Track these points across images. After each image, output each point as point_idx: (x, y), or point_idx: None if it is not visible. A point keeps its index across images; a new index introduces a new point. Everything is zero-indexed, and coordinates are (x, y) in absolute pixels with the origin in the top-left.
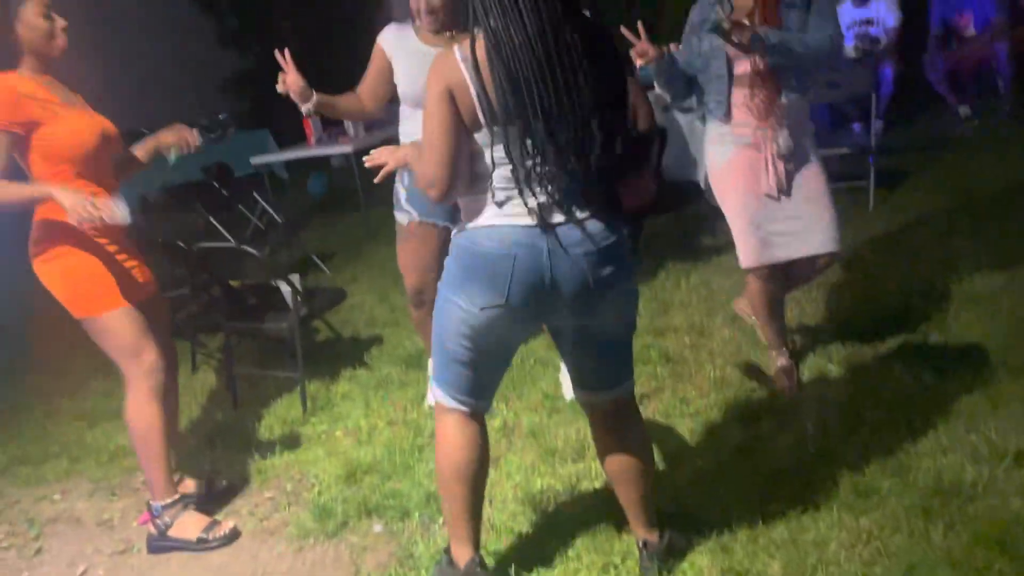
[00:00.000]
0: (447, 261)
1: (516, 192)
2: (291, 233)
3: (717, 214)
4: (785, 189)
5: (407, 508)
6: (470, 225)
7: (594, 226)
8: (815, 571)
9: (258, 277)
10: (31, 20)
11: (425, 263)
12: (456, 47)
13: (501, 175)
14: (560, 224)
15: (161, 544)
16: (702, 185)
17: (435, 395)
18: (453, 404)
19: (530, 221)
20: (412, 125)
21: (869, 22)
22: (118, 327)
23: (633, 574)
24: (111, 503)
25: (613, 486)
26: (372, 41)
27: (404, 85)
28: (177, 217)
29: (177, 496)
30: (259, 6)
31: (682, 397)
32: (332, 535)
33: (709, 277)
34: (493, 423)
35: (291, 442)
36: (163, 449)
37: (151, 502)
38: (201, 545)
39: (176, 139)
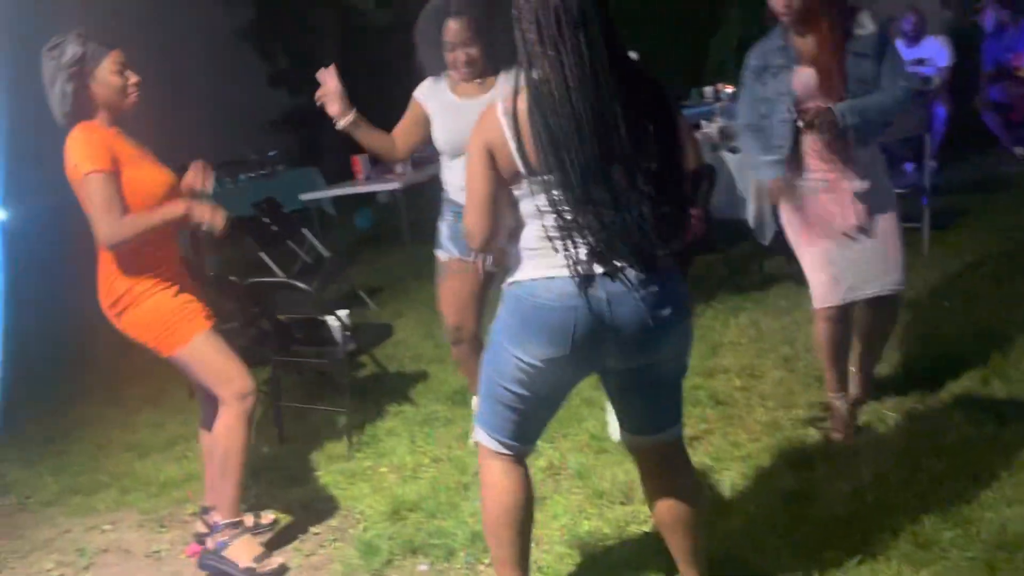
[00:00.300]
0: (501, 310)
1: (561, 243)
2: (338, 268)
3: (765, 253)
4: (866, 229)
5: (452, 547)
6: (524, 277)
7: (648, 271)
8: None
9: (306, 311)
10: (106, 77)
11: (464, 301)
12: (500, 102)
13: (546, 225)
14: (613, 272)
15: (213, 563)
16: (751, 224)
17: (480, 439)
18: (498, 449)
19: (583, 271)
20: (452, 174)
21: (921, 62)
22: (205, 350)
23: None
24: (160, 535)
25: (663, 535)
26: (416, 82)
27: (441, 138)
28: (225, 251)
29: (240, 519)
30: (308, 48)
31: (732, 440)
32: (377, 573)
33: (759, 317)
34: (538, 463)
35: (337, 477)
36: (240, 471)
37: (215, 519)
38: (249, 574)
39: (191, 185)
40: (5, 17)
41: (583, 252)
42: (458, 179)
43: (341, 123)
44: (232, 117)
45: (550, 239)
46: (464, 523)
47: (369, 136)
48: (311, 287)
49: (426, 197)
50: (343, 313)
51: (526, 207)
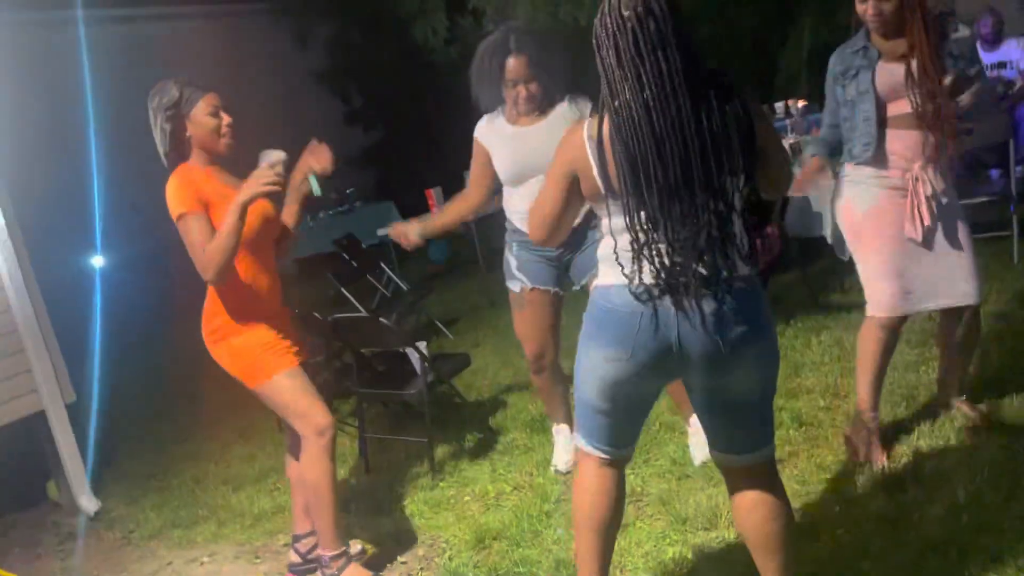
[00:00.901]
0: (585, 315)
1: (639, 257)
2: (416, 300)
3: (846, 269)
4: (933, 234)
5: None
6: (604, 283)
7: (719, 289)
8: None
9: (386, 344)
10: (200, 119)
11: (541, 329)
12: (584, 125)
13: (624, 242)
14: (680, 288)
15: None
16: (829, 240)
17: (576, 440)
18: (591, 450)
19: (648, 283)
20: (515, 201)
21: (1002, 65)
22: (288, 386)
23: None
24: (255, 566)
25: (752, 556)
26: (482, 113)
27: (501, 168)
28: (306, 287)
29: (345, 548)
30: (383, 87)
31: (818, 463)
32: None
33: (841, 335)
34: None
35: (421, 506)
36: (333, 502)
37: (320, 553)
38: None
39: (310, 164)
40: (102, 73)
41: (654, 268)
42: (521, 206)
43: (417, 240)
44: None
45: (626, 253)
46: (548, 551)
47: (444, 220)
48: (390, 320)
49: (499, 226)
50: (422, 345)
51: (606, 223)
